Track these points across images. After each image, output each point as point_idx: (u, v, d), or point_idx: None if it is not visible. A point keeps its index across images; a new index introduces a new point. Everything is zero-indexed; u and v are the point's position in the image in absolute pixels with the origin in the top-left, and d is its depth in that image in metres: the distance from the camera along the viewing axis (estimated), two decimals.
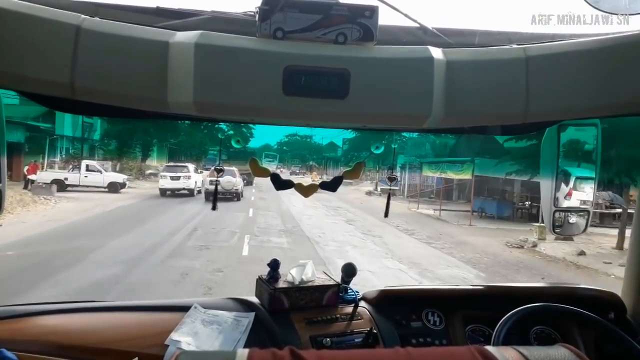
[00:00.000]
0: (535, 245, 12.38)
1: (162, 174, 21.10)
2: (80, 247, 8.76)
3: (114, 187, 20.57)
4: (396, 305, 1.68)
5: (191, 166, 21.70)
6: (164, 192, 20.10)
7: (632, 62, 1.03)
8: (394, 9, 1.06)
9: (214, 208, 1.50)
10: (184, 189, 20.50)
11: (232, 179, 18.39)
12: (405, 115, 1.02)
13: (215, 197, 1.55)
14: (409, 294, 1.80)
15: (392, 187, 1.49)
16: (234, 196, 18.85)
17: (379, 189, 26.71)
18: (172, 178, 20.40)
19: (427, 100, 0.99)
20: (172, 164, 22.50)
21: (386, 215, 1.48)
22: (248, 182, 24.83)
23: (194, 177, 21.14)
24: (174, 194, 20.15)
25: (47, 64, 0.94)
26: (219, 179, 1.44)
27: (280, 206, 17.61)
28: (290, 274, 1.66)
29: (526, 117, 1.05)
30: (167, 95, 0.96)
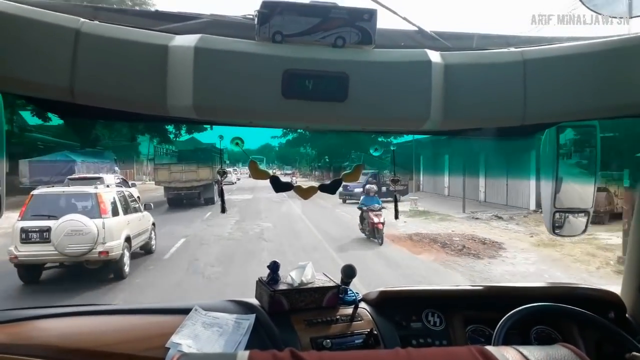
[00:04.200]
0: None
1: None
2: None
3: None
4: (396, 306, 1.68)
5: (108, 176, 13.41)
6: None
7: (629, 64, 1.03)
8: (393, 12, 1.06)
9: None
10: None
11: (86, 223, 7.00)
12: (403, 118, 1.03)
13: (222, 199, 1.39)
14: (408, 295, 1.81)
15: (397, 189, 1.50)
16: (108, 269, 7.49)
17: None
18: None
19: (425, 103, 0.99)
20: (76, 176, 13.26)
21: (396, 217, 1.49)
22: (206, 201, 17.17)
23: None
24: None
25: (47, 68, 0.94)
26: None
27: None
28: (290, 276, 1.66)
29: (524, 119, 1.05)
30: (166, 98, 0.96)
